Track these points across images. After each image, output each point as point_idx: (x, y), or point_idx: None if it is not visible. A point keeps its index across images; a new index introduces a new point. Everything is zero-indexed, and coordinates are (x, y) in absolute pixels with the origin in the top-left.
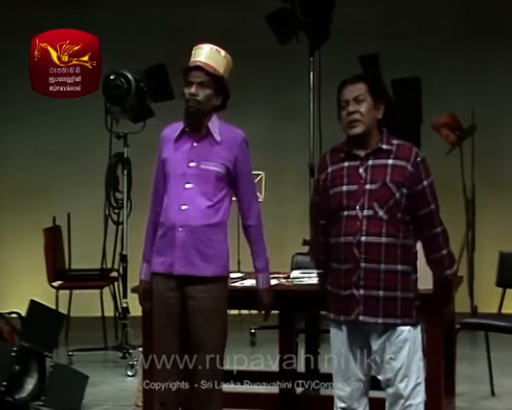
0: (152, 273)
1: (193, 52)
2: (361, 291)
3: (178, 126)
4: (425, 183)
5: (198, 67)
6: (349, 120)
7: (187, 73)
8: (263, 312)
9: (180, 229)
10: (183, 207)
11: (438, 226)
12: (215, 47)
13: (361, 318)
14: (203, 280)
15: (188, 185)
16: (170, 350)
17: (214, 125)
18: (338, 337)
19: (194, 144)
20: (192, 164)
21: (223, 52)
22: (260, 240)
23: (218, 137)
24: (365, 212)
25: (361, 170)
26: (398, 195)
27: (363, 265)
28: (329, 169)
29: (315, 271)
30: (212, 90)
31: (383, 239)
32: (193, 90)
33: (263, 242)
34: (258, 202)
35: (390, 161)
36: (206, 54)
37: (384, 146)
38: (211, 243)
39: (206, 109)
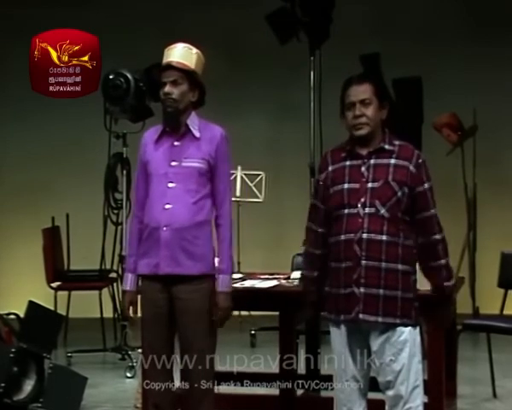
0: (138, 276)
1: (165, 53)
2: (361, 289)
3: (158, 128)
4: (426, 185)
5: (169, 67)
6: (355, 122)
7: (160, 75)
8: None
9: (164, 228)
10: (167, 206)
11: (437, 233)
12: (185, 45)
13: (361, 316)
14: (190, 279)
15: (171, 184)
16: (160, 351)
17: (193, 121)
18: (338, 338)
19: (175, 143)
20: (174, 163)
21: (194, 49)
22: (227, 240)
23: (197, 134)
24: (367, 209)
25: (363, 169)
26: (400, 193)
27: (363, 262)
28: (330, 168)
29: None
30: (185, 86)
31: (384, 237)
32: (167, 89)
33: (229, 242)
34: (231, 202)
35: (392, 161)
36: (177, 53)
37: (386, 146)
38: (196, 241)
39: (182, 106)
